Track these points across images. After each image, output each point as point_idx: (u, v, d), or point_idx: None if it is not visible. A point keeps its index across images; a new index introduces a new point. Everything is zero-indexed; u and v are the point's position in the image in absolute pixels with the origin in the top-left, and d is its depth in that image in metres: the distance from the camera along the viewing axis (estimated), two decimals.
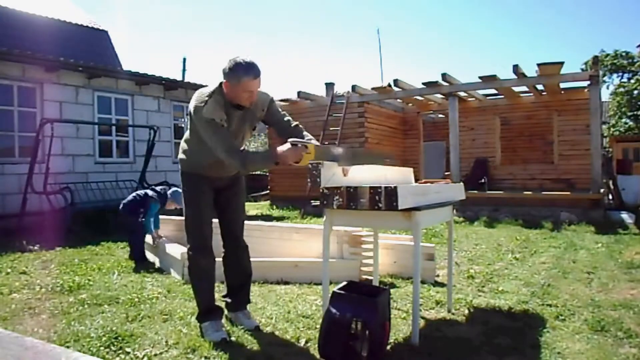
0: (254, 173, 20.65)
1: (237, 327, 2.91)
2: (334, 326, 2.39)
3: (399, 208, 2.44)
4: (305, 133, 2.84)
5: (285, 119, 2.90)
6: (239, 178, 3.05)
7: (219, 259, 2.99)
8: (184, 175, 2.92)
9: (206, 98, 2.59)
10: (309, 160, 2.51)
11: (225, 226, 3.03)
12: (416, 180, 3.86)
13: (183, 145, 2.93)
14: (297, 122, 2.91)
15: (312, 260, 4.21)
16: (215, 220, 2.95)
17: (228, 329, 2.86)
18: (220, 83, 2.64)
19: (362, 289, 2.67)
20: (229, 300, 3.07)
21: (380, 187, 2.48)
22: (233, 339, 2.74)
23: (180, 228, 5.46)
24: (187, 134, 2.89)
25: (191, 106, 2.66)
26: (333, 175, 2.60)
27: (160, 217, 5.77)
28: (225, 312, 3.04)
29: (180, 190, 3.44)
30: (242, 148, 2.72)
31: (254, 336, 2.80)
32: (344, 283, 2.67)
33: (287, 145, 2.47)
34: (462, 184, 3.72)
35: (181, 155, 2.93)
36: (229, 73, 2.55)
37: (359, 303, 2.43)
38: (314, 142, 2.64)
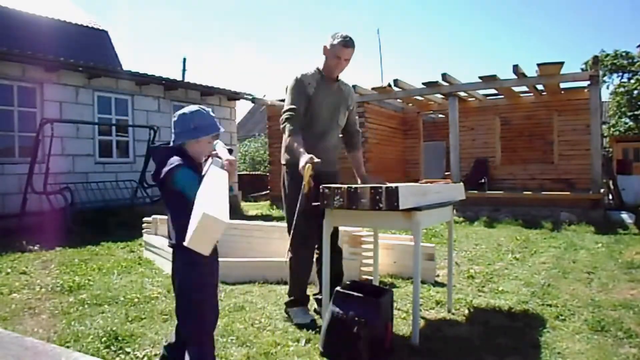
0: (253, 173, 20.65)
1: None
2: (336, 326, 2.39)
3: (400, 208, 2.45)
4: (360, 142, 3.41)
5: (356, 121, 3.39)
6: (336, 176, 3.21)
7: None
8: (289, 167, 3.07)
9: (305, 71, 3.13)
10: (308, 173, 2.69)
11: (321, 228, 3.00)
12: (416, 181, 3.86)
13: (285, 142, 3.08)
14: (360, 130, 3.47)
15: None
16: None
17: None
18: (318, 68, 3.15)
19: (364, 289, 2.67)
20: (320, 297, 3.08)
21: (381, 188, 2.48)
22: (233, 337, 2.74)
23: None
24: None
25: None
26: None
27: (160, 217, 5.76)
28: (315, 306, 3.24)
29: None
30: (335, 136, 3.22)
31: (254, 336, 2.80)
32: (347, 283, 2.68)
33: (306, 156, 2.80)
34: (462, 184, 3.72)
35: (284, 154, 3.11)
36: (330, 38, 3.04)
37: (362, 303, 2.43)
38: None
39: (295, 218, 2.84)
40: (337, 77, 3.18)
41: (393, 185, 2.48)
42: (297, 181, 2.85)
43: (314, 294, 3.26)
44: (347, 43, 3.01)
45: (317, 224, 2.92)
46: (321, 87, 3.09)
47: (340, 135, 3.35)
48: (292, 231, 2.94)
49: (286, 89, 3.12)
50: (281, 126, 3.04)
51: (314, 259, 3.16)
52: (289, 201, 3.06)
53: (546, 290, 3.89)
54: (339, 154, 3.32)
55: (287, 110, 3.03)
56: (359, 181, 3.23)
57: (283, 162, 3.16)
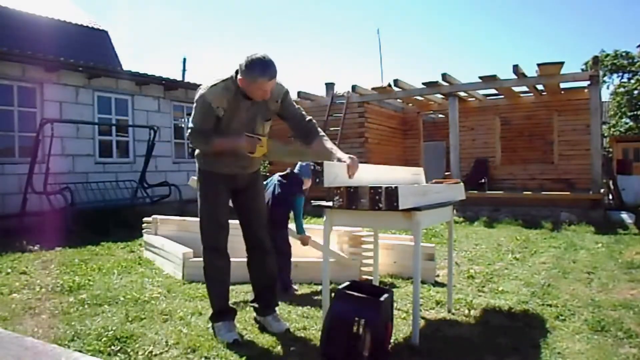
0: None
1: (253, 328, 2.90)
2: (336, 325, 2.39)
3: (400, 208, 2.44)
4: (319, 129, 2.87)
5: (300, 112, 2.90)
6: (257, 179, 3.02)
7: (235, 260, 2.95)
8: (199, 173, 2.89)
9: (217, 82, 2.66)
10: (262, 152, 2.69)
11: (247, 230, 2.98)
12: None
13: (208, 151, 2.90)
14: (310, 117, 2.92)
15: (312, 260, 4.21)
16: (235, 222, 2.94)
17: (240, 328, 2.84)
18: (237, 71, 2.64)
19: (364, 289, 2.67)
20: (256, 305, 3.04)
21: (380, 188, 2.48)
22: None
23: (181, 228, 5.47)
24: None
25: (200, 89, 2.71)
26: (336, 176, 2.59)
27: (160, 217, 5.78)
28: (255, 315, 3.06)
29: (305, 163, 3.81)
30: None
31: (255, 336, 2.80)
32: (347, 283, 2.68)
33: (243, 136, 2.68)
34: (462, 184, 3.72)
35: (197, 152, 2.90)
36: (245, 70, 2.55)
37: (363, 303, 2.43)
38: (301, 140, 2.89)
39: (206, 225, 2.81)
40: None
41: (393, 185, 2.48)
42: (211, 189, 2.81)
43: (250, 301, 3.12)
44: (272, 74, 2.56)
45: (228, 230, 2.84)
46: (233, 104, 2.66)
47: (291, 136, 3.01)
48: (202, 239, 2.85)
49: (195, 100, 2.73)
50: (191, 144, 2.82)
51: (246, 263, 3.02)
52: (203, 208, 2.85)
53: (546, 290, 3.89)
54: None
55: (192, 129, 2.70)
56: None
57: (197, 166, 2.92)
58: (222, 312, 2.83)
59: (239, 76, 2.60)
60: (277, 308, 3.04)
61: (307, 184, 3.99)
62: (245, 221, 2.98)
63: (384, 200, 2.45)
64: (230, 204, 2.98)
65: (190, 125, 2.73)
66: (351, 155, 2.66)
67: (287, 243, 3.99)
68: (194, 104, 2.72)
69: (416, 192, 2.71)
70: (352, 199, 2.56)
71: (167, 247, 4.74)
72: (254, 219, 2.98)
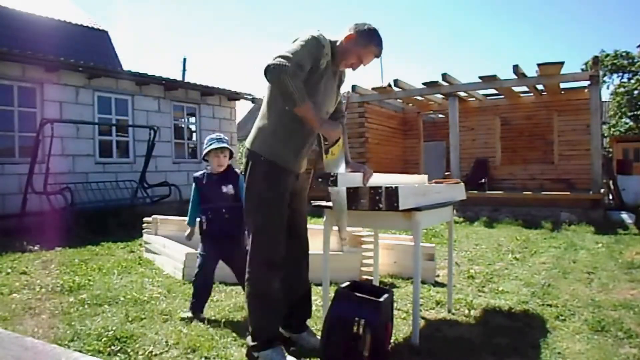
0: None
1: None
2: (336, 326, 2.39)
3: (400, 209, 2.44)
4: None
5: (342, 107, 2.82)
6: (307, 182, 2.76)
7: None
8: (260, 166, 2.37)
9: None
10: (332, 158, 2.39)
11: (291, 234, 2.55)
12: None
13: (262, 123, 2.42)
14: (345, 115, 2.86)
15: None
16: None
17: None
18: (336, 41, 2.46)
19: (364, 289, 2.67)
20: (290, 322, 2.66)
21: (380, 188, 2.48)
22: (233, 338, 2.73)
23: (181, 228, 5.45)
24: (265, 109, 2.44)
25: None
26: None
27: (160, 217, 5.77)
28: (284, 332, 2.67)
29: None
30: (327, 111, 2.55)
31: None
32: (347, 283, 2.67)
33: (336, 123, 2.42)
34: (462, 184, 3.71)
35: (259, 137, 2.42)
36: (365, 32, 2.42)
37: (363, 303, 2.43)
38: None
39: (265, 236, 2.38)
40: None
41: (393, 185, 2.48)
42: (277, 187, 2.36)
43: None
44: (379, 52, 2.45)
45: (283, 239, 2.44)
46: (328, 66, 2.42)
47: None
48: (257, 251, 2.39)
49: (301, 38, 2.32)
50: (276, 75, 2.11)
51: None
52: (265, 212, 2.38)
53: (546, 290, 3.89)
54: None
55: (289, 58, 2.15)
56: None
57: (256, 149, 2.41)
58: (274, 339, 2.40)
59: (349, 32, 2.41)
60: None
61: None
62: (292, 224, 2.57)
63: (384, 200, 2.45)
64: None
65: (287, 53, 2.17)
66: (362, 163, 2.64)
67: None
68: (300, 40, 2.28)
69: (416, 192, 2.71)
70: (352, 199, 2.56)
71: (168, 247, 4.74)
72: (301, 222, 2.68)
